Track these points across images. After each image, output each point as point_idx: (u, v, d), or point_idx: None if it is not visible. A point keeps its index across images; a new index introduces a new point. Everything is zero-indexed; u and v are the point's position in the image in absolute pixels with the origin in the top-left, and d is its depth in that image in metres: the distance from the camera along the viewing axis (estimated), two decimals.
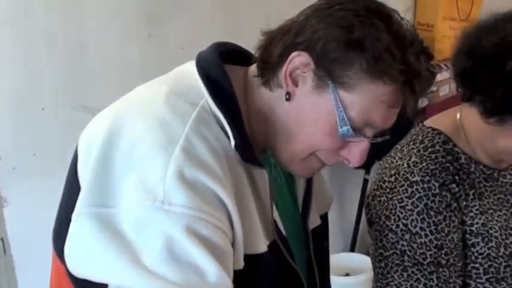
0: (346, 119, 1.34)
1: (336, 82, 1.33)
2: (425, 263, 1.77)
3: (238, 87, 1.42)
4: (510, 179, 1.93)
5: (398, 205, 1.79)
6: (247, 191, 1.38)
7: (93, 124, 1.42)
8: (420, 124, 1.95)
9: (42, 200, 2.62)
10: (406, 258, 1.78)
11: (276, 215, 1.45)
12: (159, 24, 3.04)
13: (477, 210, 1.83)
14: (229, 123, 1.34)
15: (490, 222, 1.83)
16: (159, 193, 1.25)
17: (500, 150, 1.80)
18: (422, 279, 1.78)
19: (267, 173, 1.41)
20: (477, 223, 1.82)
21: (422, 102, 4.10)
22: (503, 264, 1.83)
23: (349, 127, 1.35)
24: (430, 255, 1.77)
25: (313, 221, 1.61)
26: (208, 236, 1.26)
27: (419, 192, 1.78)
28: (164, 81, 1.43)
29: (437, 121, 1.93)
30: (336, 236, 4.25)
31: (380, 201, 1.83)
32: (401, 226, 1.78)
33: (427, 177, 1.78)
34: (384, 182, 1.84)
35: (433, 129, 1.89)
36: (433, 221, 1.77)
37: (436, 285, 1.78)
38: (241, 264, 1.35)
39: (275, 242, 1.44)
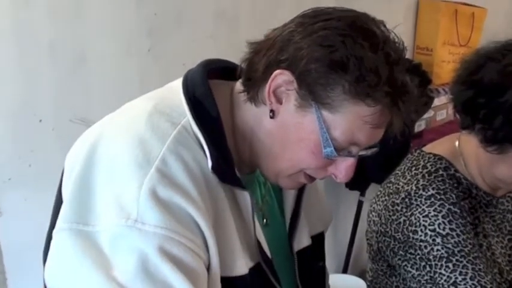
0: (329, 140, 1.33)
1: (319, 103, 1.32)
2: (464, 253, 1.75)
3: (225, 104, 1.41)
4: (507, 205, 1.94)
5: (421, 217, 1.79)
6: (227, 212, 1.37)
7: (78, 142, 1.42)
8: (418, 150, 1.94)
9: (36, 211, 2.61)
10: (444, 255, 1.77)
11: (261, 236, 1.44)
12: (159, 39, 3.05)
13: (481, 233, 1.85)
14: (208, 144, 1.33)
15: (493, 247, 1.84)
16: (132, 212, 1.25)
17: (499, 178, 1.81)
18: (469, 265, 1.75)
19: (248, 194, 1.39)
20: (482, 246, 1.84)
21: (420, 127, 4.10)
22: None
23: (332, 148, 1.33)
24: (468, 249, 1.76)
25: (301, 242, 1.59)
26: (180, 257, 1.26)
27: (439, 200, 1.78)
28: (152, 98, 1.43)
29: (436, 147, 1.94)
30: (328, 257, 4.24)
31: (400, 223, 1.83)
32: (429, 233, 1.77)
33: (442, 192, 1.79)
34: (397, 205, 1.84)
35: (434, 155, 1.89)
36: (460, 223, 1.77)
37: (480, 269, 1.75)
38: (218, 287, 1.34)
39: (259, 264, 1.43)
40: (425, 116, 4.11)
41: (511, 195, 1.96)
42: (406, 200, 1.82)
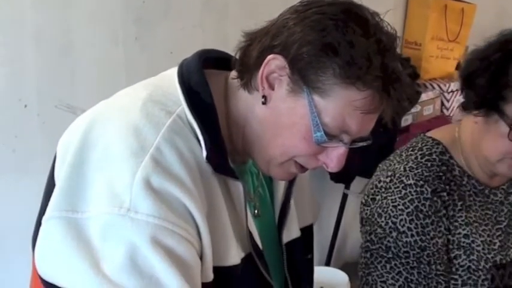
0: (319, 125, 1.33)
1: (310, 87, 1.32)
2: (408, 260, 1.84)
3: (219, 93, 1.41)
4: (500, 197, 1.99)
5: (391, 204, 1.87)
6: (221, 202, 1.37)
7: (71, 128, 1.41)
8: (421, 134, 1.99)
9: (20, 197, 2.61)
10: (390, 253, 1.85)
11: (253, 227, 1.44)
12: (147, 28, 3.04)
13: (462, 221, 1.90)
14: (203, 133, 1.33)
15: (473, 235, 1.89)
16: (125, 200, 1.24)
17: (486, 156, 1.85)
18: (404, 273, 1.85)
19: (241, 184, 1.39)
20: (459, 233, 1.89)
21: (406, 121, 4.11)
22: (482, 277, 1.89)
23: (322, 133, 1.33)
24: (413, 254, 1.84)
25: (290, 234, 1.59)
26: (173, 247, 1.25)
27: (412, 195, 1.85)
28: (146, 86, 1.42)
29: (437, 133, 2.02)
30: None
31: (374, 199, 1.91)
32: (390, 224, 1.86)
33: (421, 182, 1.86)
34: (380, 181, 1.92)
35: (433, 139, 1.97)
36: (421, 223, 1.84)
37: (417, 279, 1.85)
38: (209, 277, 1.34)
39: (250, 255, 1.43)
40: (412, 110, 4.12)
41: (504, 187, 2.01)
42: (388, 180, 1.90)
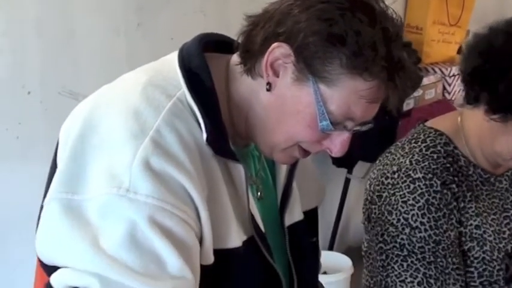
0: (325, 114, 1.33)
1: (316, 76, 1.32)
2: (424, 255, 1.81)
3: (220, 77, 1.41)
4: (505, 184, 1.97)
5: (400, 200, 1.83)
6: (221, 185, 1.37)
7: (73, 113, 1.41)
8: (420, 124, 1.97)
9: (24, 183, 2.62)
10: (405, 250, 1.82)
11: (254, 210, 1.44)
12: (148, 15, 3.04)
13: (473, 212, 1.87)
14: (203, 116, 1.33)
15: (484, 225, 1.87)
16: (124, 181, 1.24)
17: (498, 152, 1.84)
18: (421, 269, 1.82)
19: (242, 167, 1.40)
20: (471, 224, 1.86)
21: (408, 105, 4.11)
22: (497, 267, 1.87)
23: (328, 122, 1.33)
24: (428, 249, 1.81)
25: (293, 217, 1.59)
26: (171, 228, 1.26)
27: (421, 189, 1.82)
28: (146, 70, 1.43)
29: (438, 123, 1.97)
30: None
31: (381, 196, 1.87)
32: (402, 220, 1.82)
33: (429, 175, 1.82)
34: (386, 178, 1.87)
35: (435, 130, 1.92)
36: (433, 217, 1.81)
37: (435, 274, 1.82)
38: (210, 259, 1.35)
39: (253, 238, 1.44)
40: (414, 94, 4.11)
41: (508, 174, 1.99)
42: (395, 175, 1.85)
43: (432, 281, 1.82)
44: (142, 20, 3.01)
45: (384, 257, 1.86)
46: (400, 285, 1.83)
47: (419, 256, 1.82)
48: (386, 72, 1.31)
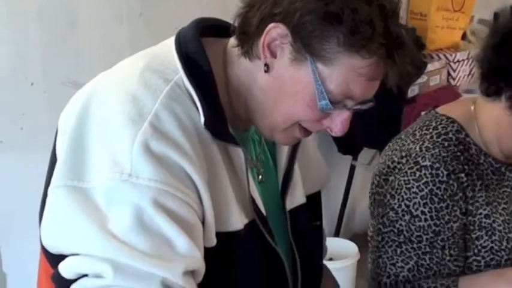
0: (324, 93, 1.33)
1: (313, 55, 1.31)
2: (420, 245, 1.81)
3: (218, 61, 1.41)
4: None
5: (404, 186, 1.82)
6: (221, 168, 1.37)
7: (71, 101, 1.41)
8: (432, 111, 1.96)
9: (28, 173, 2.62)
10: (402, 237, 1.82)
11: (255, 193, 1.44)
12: (151, 4, 3.03)
13: (483, 201, 1.86)
14: (200, 100, 1.33)
15: (494, 215, 1.85)
16: (126, 166, 1.25)
17: None
18: (414, 257, 1.81)
19: (242, 150, 1.39)
20: (480, 214, 1.85)
21: (413, 92, 4.10)
22: (505, 257, 1.86)
23: (327, 101, 1.33)
24: (426, 239, 1.81)
25: (294, 200, 1.59)
26: (175, 210, 1.26)
27: (427, 177, 1.80)
28: (144, 56, 1.43)
29: (450, 110, 1.95)
30: None
31: (387, 180, 1.86)
32: (403, 206, 1.82)
33: (437, 164, 1.81)
34: (393, 162, 1.87)
35: (447, 118, 1.90)
36: (435, 207, 1.80)
37: (428, 264, 1.81)
38: (212, 242, 1.35)
39: (254, 221, 1.43)
40: (419, 81, 4.10)
41: None
42: (403, 160, 1.84)
43: (423, 269, 1.81)
44: (144, 9, 3.00)
45: (379, 238, 1.86)
46: (390, 268, 1.84)
47: (415, 245, 1.81)
48: (385, 49, 1.30)
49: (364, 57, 1.30)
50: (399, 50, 1.32)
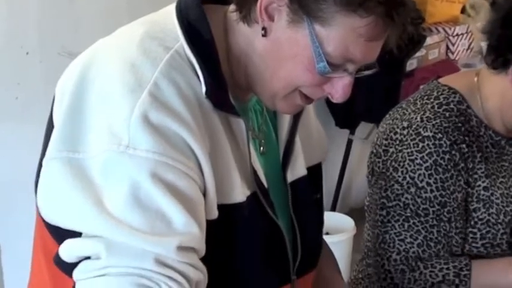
0: (322, 55, 1.30)
1: (311, 16, 1.28)
2: (428, 218, 1.80)
3: (219, 29, 1.38)
4: None
5: (407, 158, 1.81)
6: (223, 139, 1.35)
7: (68, 69, 1.38)
8: (435, 81, 1.94)
9: (21, 145, 2.61)
10: (408, 210, 1.81)
11: (257, 165, 1.43)
12: None
13: (482, 173, 1.86)
14: (202, 69, 1.30)
15: (492, 188, 1.85)
16: (124, 137, 1.22)
17: None
18: (423, 231, 1.81)
19: (243, 121, 1.38)
20: (479, 186, 1.85)
21: (411, 66, 4.09)
22: (501, 231, 1.86)
23: (325, 63, 1.30)
24: (433, 211, 1.80)
25: (295, 172, 1.56)
26: (174, 182, 1.23)
27: (430, 148, 1.80)
28: (144, 23, 1.40)
29: (453, 81, 1.94)
30: None
31: (388, 151, 1.85)
32: (408, 179, 1.81)
33: (439, 134, 1.80)
34: (395, 133, 1.85)
35: (449, 88, 1.89)
36: (440, 178, 1.80)
37: (436, 238, 1.81)
38: (214, 214, 1.33)
39: (255, 194, 1.42)
40: (417, 54, 4.09)
41: None
42: (404, 131, 1.83)
43: (432, 244, 1.81)
44: None
45: (384, 212, 1.84)
46: (398, 244, 1.82)
47: (422, 219, 1.80)
48: (383, 7, 1.27)
49: (362, 16, 1.27)
50: (398, 8, 1.29)
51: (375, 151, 1.89)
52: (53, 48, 2.70)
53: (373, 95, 3.44)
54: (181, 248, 1.23)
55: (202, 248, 1.28)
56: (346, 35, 1.29)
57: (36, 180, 1.35)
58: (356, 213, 3.97)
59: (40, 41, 2.67)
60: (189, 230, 1.24)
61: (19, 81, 2.65)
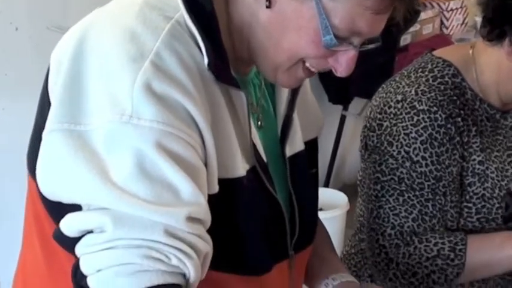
0: (329, 27, 1.28)
1: None
2: (423, 192, 1.79)
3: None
4: (510, 122, 1.93)
5: (402, 132, 1.79)
6: (224, 111, 1.33)
7: (64, 39, 1.36)
8: (429, 53, 1.93)
9: (13, 121, 2.60)
10: (403, 185, 1.80)
11: (256, 139, 1.41)
12: None
13: (477, 147, 1.85)
14: (203, 40, 1.28)
15: (487, 162, 1.84)
16: (127, 107, 1.19)
17: None
18: (417, 205, 1.80)
19: (244, 94, 1.36)
20: (474, 160, 1.84)
21: (405, 41, 4.07)
22: (496, 205, 1.85)
23: (332, 36, 1.28)
24: (428, 185, 1.79)
25: (293, 147, 1.55)
26: (179, 152, 1.21)
27: (425, 122, 1.78)
28: None
29: (447, 53, 1.92)
30: None
31: (382, 125, 1.83)
32: (403, 153, 1.79)
33: (434, 108, 1.78)
34: (390, 107, 1.84)
35: (444, 61, 1.88)
36: (435, 152, 1.78)
37: (431, 212, 1.80)
38: (215, 189, 1.31)
39: (254, 168, 1.40)
40: (411, 29, 4.08)
41: None
42: (399, 105, 1.81)
43: (427, 218, 1.80)
44: None
45: (378, 187, 1.83)
46: (393, 218, 1.81)
47: (417, 193, 1.79)
48: None
49: None
50: None
51: (368, 125, 1.87)
52: (42, 23, 2.68)
53: (366, 70, 3.43)
54: (190, 219, 1.20)
55: (208, 220, 1.26)
56: (353, 8, 1.27)
57: (28, 156, 1.33)
58: (349, 189, 3.97)
59: (29, 16, 2.65)
60: (197, 200, 1.21)
61: (8, 57, 2.63)
